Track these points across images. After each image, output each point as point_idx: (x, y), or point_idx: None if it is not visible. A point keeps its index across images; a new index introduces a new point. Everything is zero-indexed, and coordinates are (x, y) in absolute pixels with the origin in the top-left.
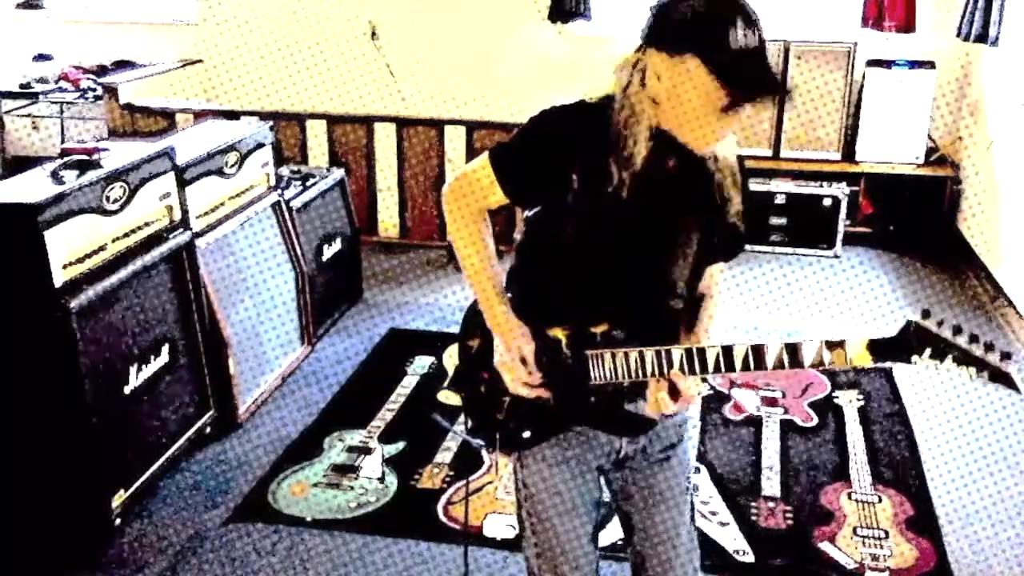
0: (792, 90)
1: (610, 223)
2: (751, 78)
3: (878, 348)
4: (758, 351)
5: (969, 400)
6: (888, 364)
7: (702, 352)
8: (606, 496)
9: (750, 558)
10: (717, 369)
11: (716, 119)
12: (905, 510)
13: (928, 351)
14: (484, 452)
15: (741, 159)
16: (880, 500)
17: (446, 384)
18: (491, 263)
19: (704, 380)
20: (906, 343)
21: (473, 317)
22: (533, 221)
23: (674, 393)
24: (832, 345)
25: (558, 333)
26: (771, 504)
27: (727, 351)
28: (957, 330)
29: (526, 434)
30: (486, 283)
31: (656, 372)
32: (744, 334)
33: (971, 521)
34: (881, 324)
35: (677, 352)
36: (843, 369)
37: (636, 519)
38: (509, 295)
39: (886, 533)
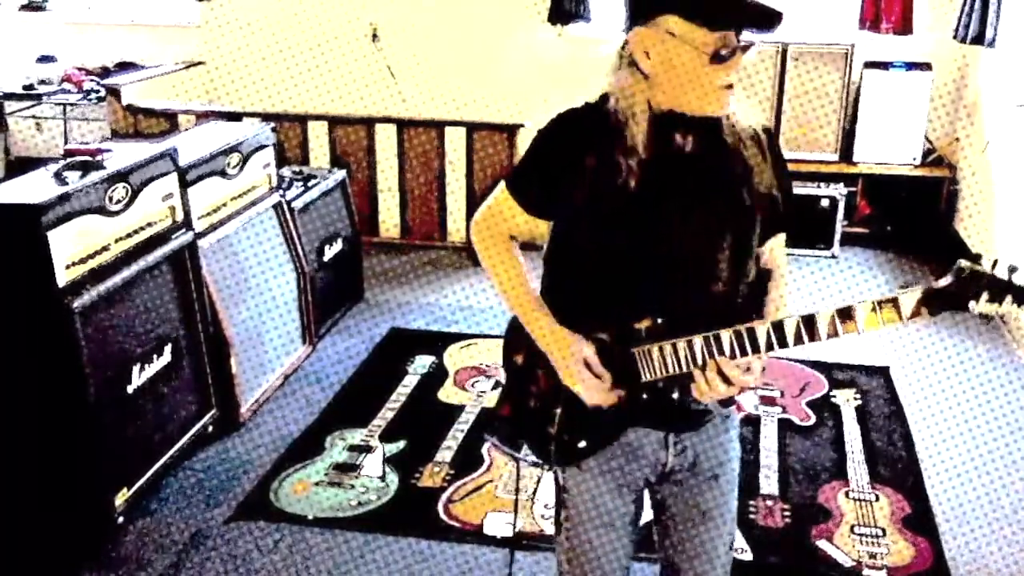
0: (779, 16)
1: (629, 216)
2: (728, 9)
3: (933, 300)
4: (809, 322)
5: (966, 399)
6: (944, 312)
7: (752, 332)
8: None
9: (748, 556)
10: (769, 347)
11: (712, 71)
12: (902, 508)
13: (986, 295)
14: (531, 466)
15: (768, 129)
16: (877, 498)
17: (487, 432)
18: (526, 283)
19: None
20: (961, 290)
21: (514, 332)
22: (556, 228)
23: (724, 377)
24: (884, 304)
25: (602, 335)
26: (769, 503)
27: (778, 327)
28: (1012, 269)
29: (582, 444)
30: (527, 304)
31: (707, 360)
32: None
33: (968, 519)
34: None
35: (726, 335)
36: (897, 326)
37: (679, 531)
38: (546, 303)
39: (883, 531)
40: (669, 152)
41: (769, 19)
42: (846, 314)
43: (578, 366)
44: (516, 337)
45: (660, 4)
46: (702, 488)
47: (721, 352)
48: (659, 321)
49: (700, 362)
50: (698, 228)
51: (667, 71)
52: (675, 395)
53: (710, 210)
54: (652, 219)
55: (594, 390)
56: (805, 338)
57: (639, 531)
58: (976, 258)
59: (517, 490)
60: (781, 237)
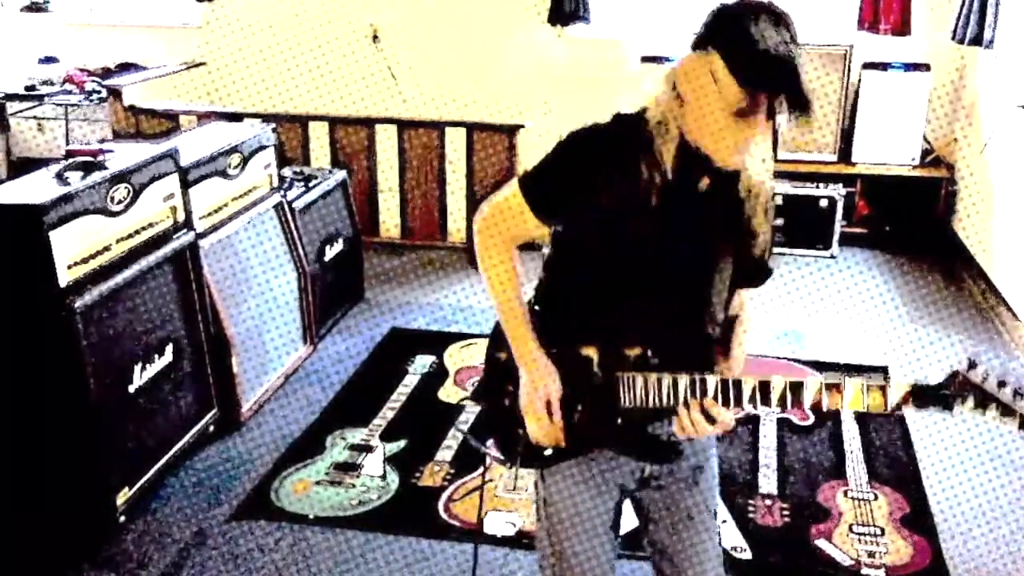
0: (811, 99)
1: (641, 238)
2: (767, 75)
3: (921, 395)
4: (796, 389)
5: None
6: (929, 411)
7: (738, 384)
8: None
9: (747, 555)
10: (752, 402)
11: (734, 123)
12: (901, 507)
13: (971, 401)
14: (501, 463)
15: (774, 193)
16: (876, 498)
17: (470, 394)
18: (522, 299)
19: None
20: (950, 393)
21: (502, 330)
22: (561, 237)
23: (709, 417)
24: (873, 388)
25: (590, 352)
26: (768, 502)
27: (764, 386)
28: (1001, 383)
29: (547, 452)
30: (517, 319)
31: (688, 400)
32: None
33: (966, 518)
34: (877, 325)
35: (712, 381)
36: (879, 413)
37: (662, 537)
38: (538, 307)
39: (882, 530)
40: (688, 188)
41: (802, 104)
42: (832, 390)
43: (540, 402)
44: (503, 335)
45: (712, 41)
46: (680, 488)
47: (705, 395)
48: (649, 351)
49: (682, 400)
50: (701, 268)
51: (695, 101)
52: (650, 428)
53: (714, 254)
54: (662, 248)
55: (541, 428)
56: (789, 402)
57: (619, 535)
58: (972, 365)
59: (483, 485)
60: (750, 289)
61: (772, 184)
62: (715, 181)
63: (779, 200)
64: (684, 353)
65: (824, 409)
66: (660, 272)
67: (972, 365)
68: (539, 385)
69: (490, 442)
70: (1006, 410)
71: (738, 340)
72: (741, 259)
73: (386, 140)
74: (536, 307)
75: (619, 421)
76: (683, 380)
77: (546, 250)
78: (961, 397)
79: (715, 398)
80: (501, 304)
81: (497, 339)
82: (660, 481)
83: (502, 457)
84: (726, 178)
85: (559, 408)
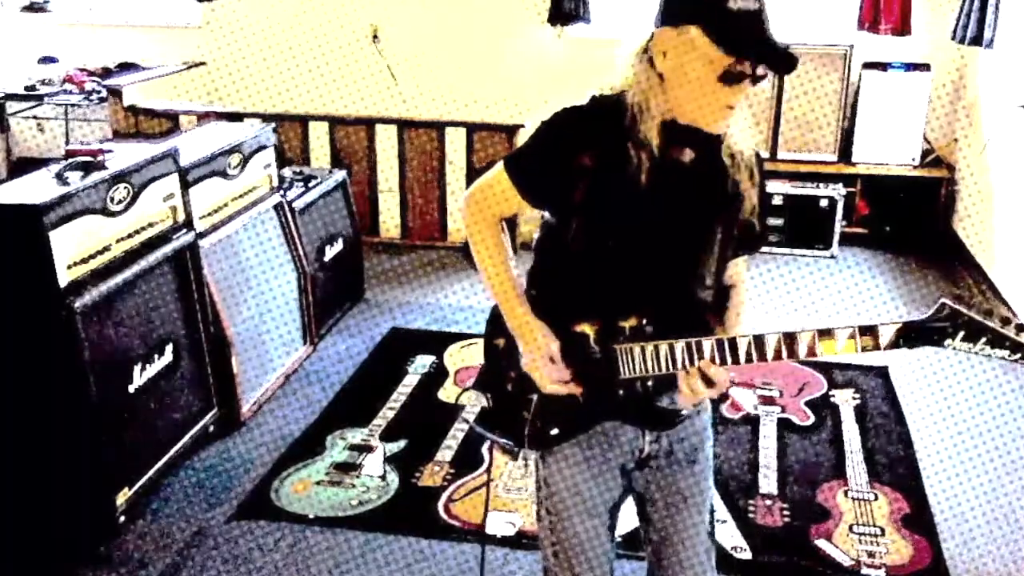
0: (796, 57)
1: (630, 215)
2: (749, 40)
3: (911, 333)
4: (790, 339)
5: (964, 398)
6: (919, 348)
7: (733, 342)
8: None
9: (747, 555)
10: (749, 359)
11: (718, 90)
12: (901, 507)
13: (961, 334)
14: (507, 452)
15: (759, 156)
16: (876, 498)
17: (471, 384)
18: (509, 268)
19: None
20: (939, 327)
21: (497, 317)
22: (550, 220)
23: (707, 381)
24: (864, 331)
25: (585, 328)
26: (768, 502)
27: (758, 340)
28: (988, 312)
29: (554, 431)
30: (506, 287)
31: (687, 364)
32: None
33: (966, 518)
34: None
35: (708, 343)
36: (870, 352)
37: (657, 519)
38: (533, 292)
39: (882, 530)
40: (668, 160)
41: (787, 63)
42: (824, 336)
43: (544, 358)
44: (500, 322)
45: (690, 14)
46: (680, 473)
47: (702, 358)
48: (644, 321)
49: (680, 365)
50: (690, 236)
51: (677, 76)
52: (651, 395)
53: (702, 221)
54: (650, 221)
55: (553, 380)
56: (784, 353)
57: (618, 514)
58: (959, 299)
59: (489, 479)
60: (745, 257)
61: (752, 143)
62: (699, 152)
63: (779, 200)
64: (679, 319)
65: (818, 355)
66: (652, 246)
67: (959, 299)
68: (537, 343)
69: (486, 445)
70: (997, 339)
71: (734, 309)
72: (731, 224)
73: (386, 140)
74: (531, 291)
75: (620, 392)
76: (679, 345)
77: (536, 235)
78: (952, 331)
79: (712, 359)
80: (491, 276)
81: (494, 326)
82: (659, 461)
83: (509, 443)
84: (709, 148)
85: (561, 358)
